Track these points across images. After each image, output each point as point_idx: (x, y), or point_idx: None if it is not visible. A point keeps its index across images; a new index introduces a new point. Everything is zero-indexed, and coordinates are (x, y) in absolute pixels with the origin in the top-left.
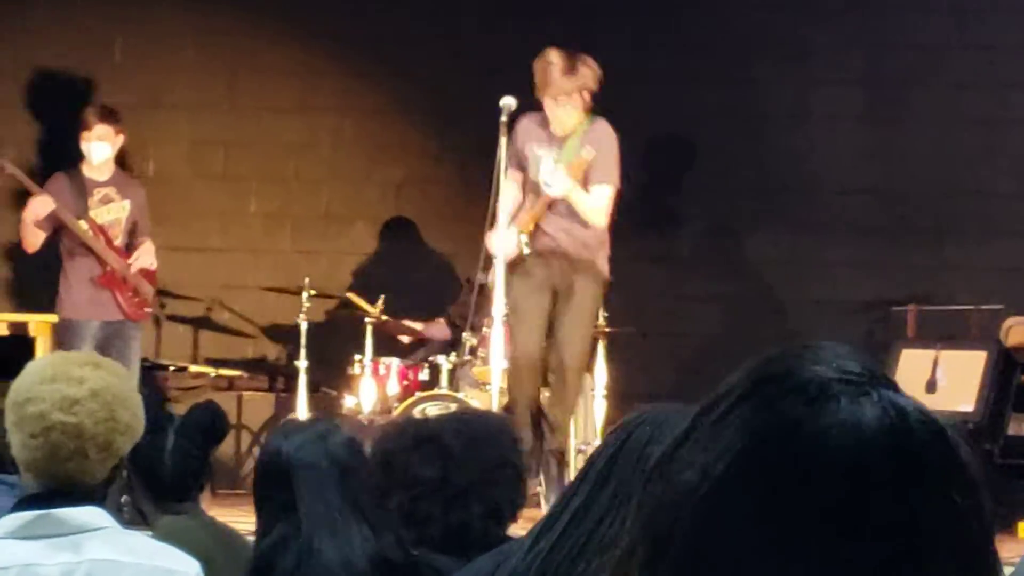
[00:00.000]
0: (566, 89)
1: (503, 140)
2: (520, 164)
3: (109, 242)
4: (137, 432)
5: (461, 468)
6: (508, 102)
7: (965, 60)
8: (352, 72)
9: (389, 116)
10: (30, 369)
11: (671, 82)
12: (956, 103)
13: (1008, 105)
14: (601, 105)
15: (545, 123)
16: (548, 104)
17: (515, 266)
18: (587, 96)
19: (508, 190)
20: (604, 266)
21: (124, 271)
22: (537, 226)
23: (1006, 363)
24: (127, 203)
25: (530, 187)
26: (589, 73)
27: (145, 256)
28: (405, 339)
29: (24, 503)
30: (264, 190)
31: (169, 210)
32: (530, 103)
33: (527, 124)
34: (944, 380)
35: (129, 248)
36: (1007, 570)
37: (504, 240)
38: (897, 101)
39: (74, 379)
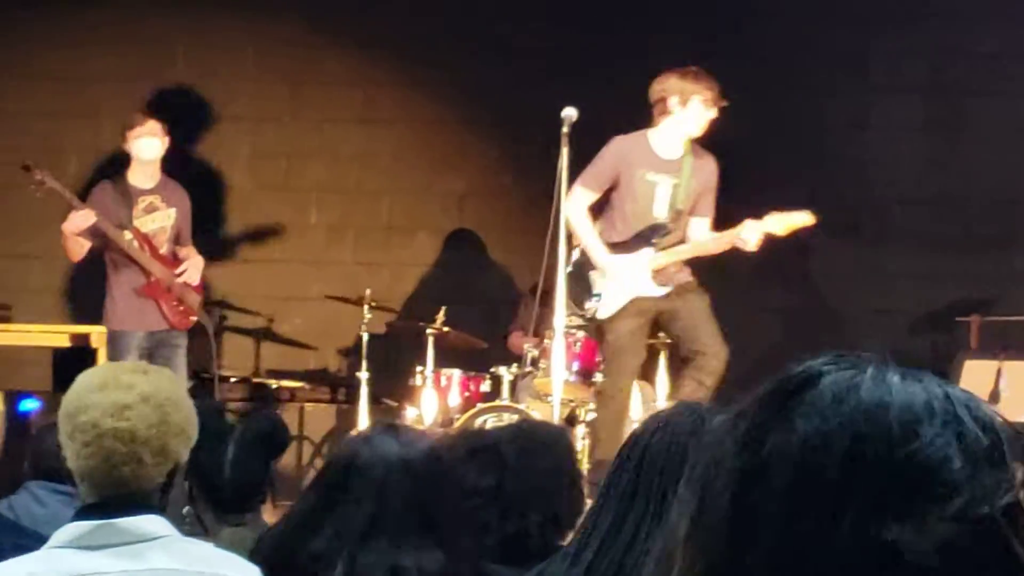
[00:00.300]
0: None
1: (565, 151)
2: (605, 185)
3: (154, 251)
4: (192, 435)
5: (516, 477)
6: (569, 113)
7: None
8: (413, 83)
9: (450, 127)
10: (80, 380)
11: (730, 91)
12: (1018, 112)
13: None
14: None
15: (647, 146)
16: (702, 112)
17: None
18: None
19: (585, 211)
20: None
21: (169, 280)
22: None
23: None
24: (173, 211)
25: (636, 215)
26: None
27: (193, 271)
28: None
29: (84, 512)
30: (325, 201)
31: (230, 221)
32: (591, 114)
33: (629, 146)
34: (1008, 391)
35: (174, 257)
36: None
37: (633, 272)
38: (959, 110)
39: (124, 385)
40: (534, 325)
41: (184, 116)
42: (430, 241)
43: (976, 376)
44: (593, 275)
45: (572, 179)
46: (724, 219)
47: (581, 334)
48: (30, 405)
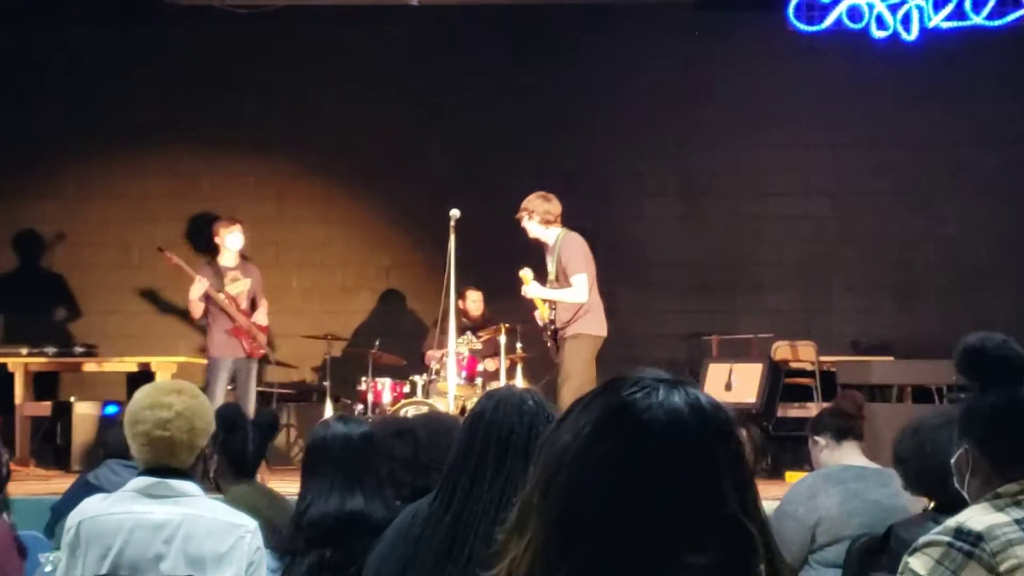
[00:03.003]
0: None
1: (452, 236)
2: None
3: (237, 305)
4: (210, 431)
5: (426, 450)
6: (455, 212)
7: None
8: (358, 196)
9: (382, 224)
10: (136, 397)
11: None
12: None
13: None
14: None
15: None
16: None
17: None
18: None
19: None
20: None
21: (247, 324)
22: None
23: (774, 371)
24: (248, 280)
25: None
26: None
27: (260, 316)
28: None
29: (145, 473)
30: (301, 273)
31: None
32: (473, 211)
33: None
34: (738, 382)
35: (253, 309)
36: (775, 504)
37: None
38: None
39: (165, 405)
40: (436, 345)
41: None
42: (369, 296)
43: (715, 376)
44: None
45: (457, 256)
46: None
47: (466, 352)
48: (111, 409)
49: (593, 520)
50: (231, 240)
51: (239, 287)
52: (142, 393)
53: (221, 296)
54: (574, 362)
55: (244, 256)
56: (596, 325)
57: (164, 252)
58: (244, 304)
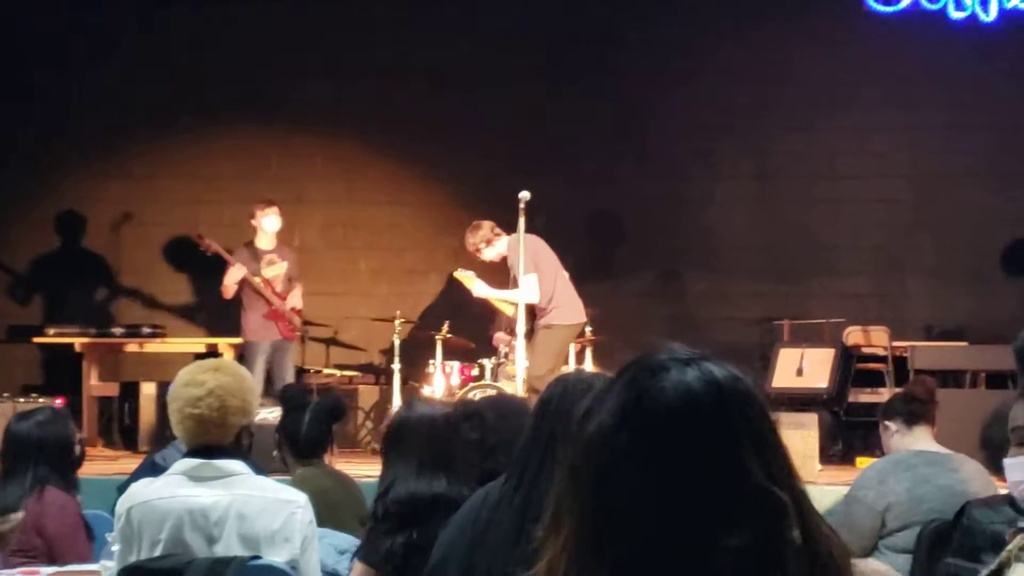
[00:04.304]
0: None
1: (521, 220)
2: None
3: (273, 289)
4: (250, 410)
5: (493, 432)
6: (524, 194)
7: None
8: (426, 177)
9: (450, 205)
10: (177, 376)
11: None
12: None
13: None
14: None
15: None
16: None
17: None
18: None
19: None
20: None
21: (282, 307)
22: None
23: (847, 356)
24: (284, 263)
25: None
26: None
27: (294, 298)
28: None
29: (190, 454)
30: (370, 255)
31: (308, 269)
32: (544, 193)
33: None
34: (809, 367)
35: (287, 291)
36: (844, 490)
37: None
38: None
39: (198, 383)
40: (506, 327)
41: (277, 200)
42: (438, 279)
43: (787, 360)
44: None
45: (526, 240)
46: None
47: None
48: None
49: (623, 514)
50: (267, 223)
51: (275, 270)
52: (183, 371)
53: (257, 280)
54: (544, 351)
55: (279, 239)
56: (568, 315)
57: (202, 239)
58: (279, 287)
